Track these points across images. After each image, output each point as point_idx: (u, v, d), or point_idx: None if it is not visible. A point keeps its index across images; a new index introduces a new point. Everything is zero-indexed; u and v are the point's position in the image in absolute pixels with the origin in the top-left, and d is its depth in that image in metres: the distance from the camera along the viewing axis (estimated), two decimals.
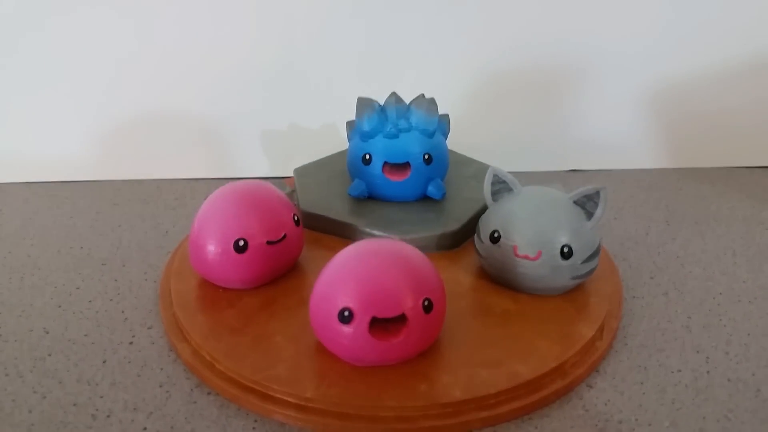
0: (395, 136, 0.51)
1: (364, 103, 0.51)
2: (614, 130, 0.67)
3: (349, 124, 0.54)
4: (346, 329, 0.37)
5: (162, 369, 0.41)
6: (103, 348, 0.43)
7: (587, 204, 0.44)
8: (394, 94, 0.52)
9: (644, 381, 0.40)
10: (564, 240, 0.43)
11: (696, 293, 0.49)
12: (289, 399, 0.37)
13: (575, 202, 0.44)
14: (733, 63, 0.64)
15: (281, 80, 0.64)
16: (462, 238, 0.51)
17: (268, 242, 0.44)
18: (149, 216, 0.59)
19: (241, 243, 0.44)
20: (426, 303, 0.37)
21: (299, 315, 0.43)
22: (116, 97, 0.63)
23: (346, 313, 0.37)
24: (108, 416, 0.38)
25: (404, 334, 0.37)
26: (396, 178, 0.52)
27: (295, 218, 0.47)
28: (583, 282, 0.45)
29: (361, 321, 0.36)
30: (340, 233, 0.51)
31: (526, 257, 0.43)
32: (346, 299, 0.37)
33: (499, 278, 0.46)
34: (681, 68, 0.64)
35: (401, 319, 0.37)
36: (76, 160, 0.65)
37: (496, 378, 0.38)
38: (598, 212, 0.44)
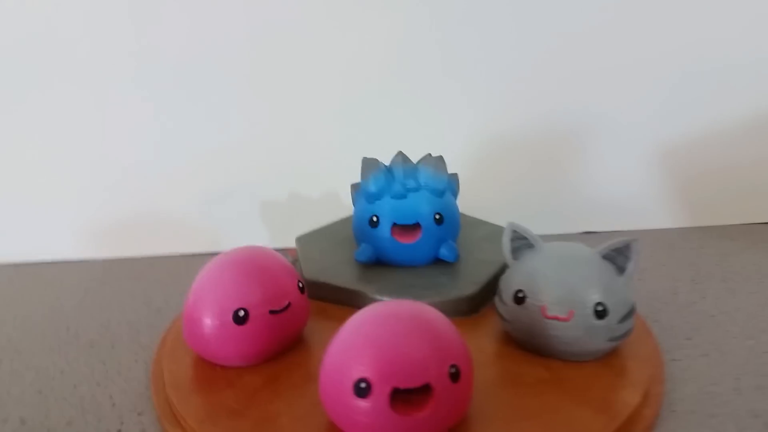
0: (403, 197, 0.48)
1: (369, 164, 0.49)
2: (628, 191, 0.64)
3: (354, 186, 0.51)
4: (363, 404, 0.32)
5: None
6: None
7: (617, 258, 0.41)
8: (400, 153, 0.49)
9: None
10: (597, 297, 0.39)
11: (739, 352, 0.44)
12: None
13: (604, 257, 0.41)
14: (744, 119, 0.62)
15: (280, 147, 0.61)
16: (480, 302, 0.47)
17: (271, 312, 0.40)
18: (140, 293, 0.55)
19: (242, 313, 0.40)
20: (453, 370, 0.33)
21: (307, 393, 0.39)
22: (105, 170, 0.60)
23: (363, 385, 0.32)
24: None
25: (430, 408, 0.33)
26: (406, 240, 0.48)
27: (300, 285, 0.43)
28: (617, 345, 0.41)
29: (381, 393, 0.32)
30: (348, 302, 0.47)
31: (556, 318, 0.39)
32: (361, 369, 0.32)
33: (527, 343, 0.41)
34: (693, 125, 0.63)
35: (426, 391, 0.33)
36: (64, 239, 0.61)
37: None
38: (631, 267, 0.40)
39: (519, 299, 0.41)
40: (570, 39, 0.60)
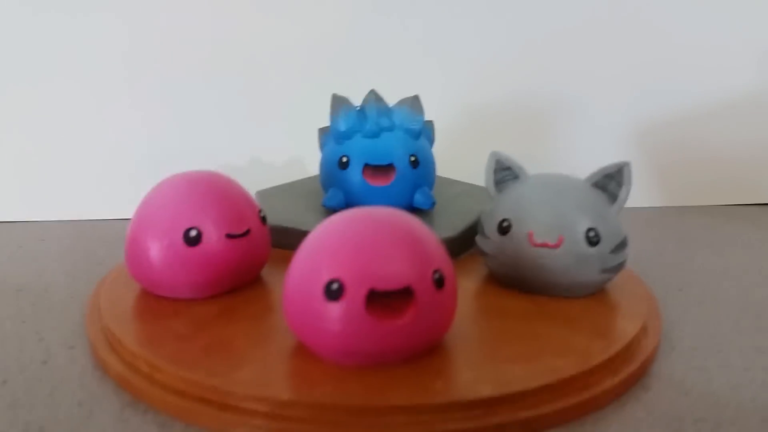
0: (376, 135, 0.44)
1: (339, 101, 0.45)
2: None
3: (321, 130, 0.47)
4: (335, 308, 0.28)
5: (83, 387, 0.31)
6: (5, 368, 0.32)
7: (609, 185, 0.37)
8: (373, 91, 0.45)
9: (711, 380, 0.32)
10: (588, 223, 0.36)
11: (735, 302, 0.41)
12: (258, 407, 0.27)
13: (594, 185, 0.38)
14: (720, 100, 0.61)
15: (239, 110, 0.57)
16: (459, 249, 0.43)
17: (228, 236, 0.36)
18: (81, 250, 0.49)
19: (193, 233, 0.35)
20: (437, 276, 0.29)
21: (267, 321, 0.34)
22: (48, 133, 0.55)
23: (335, 286, 0.28)
24: None
25: (412, 313, 0.28)
26: (378, 183, 0.44)
27: (262, 215, 0.39)
28: (609, 280, 0.38)
29: (355, 295, 0.28)
30: None
31: (545, 245, 0.36)
32: (333, 269, 0.28)
33: (513, 279, 0.38)
34: (668, 106, 0.61)
35: (406, 296, 0.28)
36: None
37: (532, 373, 0.29)
38: (623, 193, 0.37)
39: (504, 229, 0.37)
40: (550, 21, 0.58)
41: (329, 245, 0.29)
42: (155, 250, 0.35)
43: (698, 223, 0.58)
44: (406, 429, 0.26)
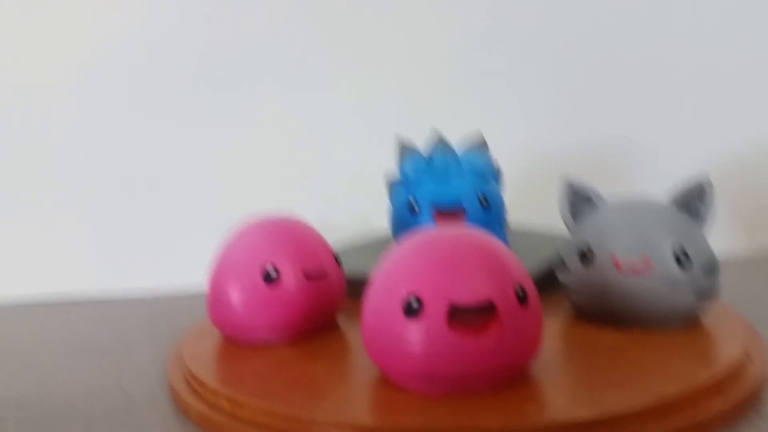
0: (445, 178, 0.44)
1: (405, 146, 0.46)
2: None
3: (390, 182, 0.48)
4: (415, 326, 0.27)
5: (164, 429, 0.30)
6: (87, 414, 0.32)
7: (692, 204, 0.36)
8: (440, 138, 0.46)
9: None
10: (674, 241, 0.34)
11: None
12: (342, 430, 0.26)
13: (675, 203, 0.36)
14: None
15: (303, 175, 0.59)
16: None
17: (306, 275, 0.36)
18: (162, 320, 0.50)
19: (272, 272, 0.35)
20: (519, 290, 0.28)
21: (347, 358, 0.33)
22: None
23: (414, 302, 0.27)
24: None
25: (495, 330, 0.27)
26: None
27: (337, 258, 0.39)
28: (705, 308, 0.35)
29: (435, 311, 0.27)
30: None
31: (631, 269, 0.34)
32: (412, 285, 0.27)
33: (601, 312, 0.35)
34: (731, 153, 0.59)
35: (489, 313, 0.27)
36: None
37: (632, 396, 0.27)
38: (707, 210, 0.35)
39: (585, 257, 0.36)
40: (622, 64, 0.59)
41: (407, 262, 0.28)
42: (235, 291, 0.35)
43: None
44: None
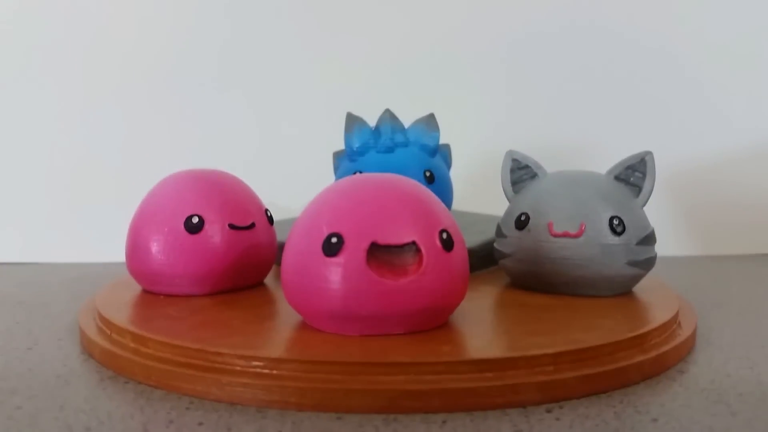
0: (390, 151, 0.44)
1: (353, 119, 0.45)
2: None
3: (336, 153, 0.47)
4: (334, 263, 0.26)
5: (65, 365, 0.29)
6: None
7: (632, 177, 0.36)
8: (388, 110, 0.45)
9: (753, 367, 0.28)
10: (611, 211, 0.34)
11: None
12: (247, 366, 0.25)
13: (616, 177, 0.36)
14: (747, 146, 0.60)
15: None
16: (476, 265, 0.41)
17: (231, 226, 0.34)
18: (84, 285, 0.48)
19: (195, 220, 0.34)
20: (445, 236, 0.27)
21: (267, 308, 0.32)
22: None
23: (334, 240, 0.26)
24: None
25: (417, 271, 0.26)
26: None
27: (268, 214, 0.37)
28: (638, 278, 0.35)
29: (356, 248, 0.26)
30: None
31: (566, 234, 0.34)
32: (334, 224, 0.26)
33: (534, 277, 0.35)
34: (693, 155, 0.60)
35: (412, 255, 0.26)
36: None
37: (552, 342, 0.26)
38: (647, 184, 0.35)
39: (522, 223, 0.35)
40: (567, 66, 0.59)
41: (331, 203, 0.27)
42: (155, 241, 0.34)
43: (735, 269, 0.54)
44: (409, 387, 0.23)
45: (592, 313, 0.31)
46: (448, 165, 0.46)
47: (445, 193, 0.44)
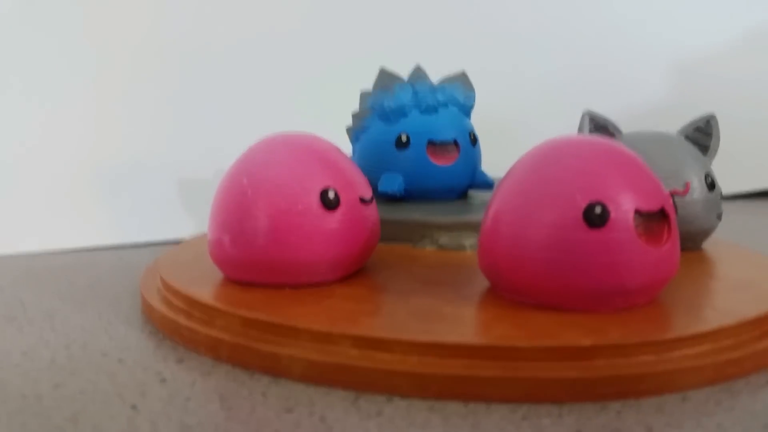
0: (434, 111, 0.41)
1: (390, 77, 0.41)
2: None
3: (357, 116, 0.42)
4: (597, 236, 0.24)
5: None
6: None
7: (700, 138, 0.38)
8: (419, 67, 0.42)
9: None
10: (705, 169, 0.36)
11: None
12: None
13: (687, 137, 0.38)
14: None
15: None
16: None
17: (362, 200, 0.30)
18: None
19: (332, 195, 0.28)
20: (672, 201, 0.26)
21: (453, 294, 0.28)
22: None
23: (598, 210, 0.24)
24: None
25: (669, 239, 0.25)
26: (443, 162, 0.40)
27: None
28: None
29: (622, 218, 0.24)
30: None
31: (675, 192, 0.35)
32: (591, 193, 0.24)
33: None
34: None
35: (656, 218, 0.25)
36: None
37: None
38: (714, 143, 0.38)
39: None
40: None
41: (572, 169, 0.25)
42: (281, 219, 0.27)
43: None
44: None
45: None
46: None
47: (480, 156, 0.43)
